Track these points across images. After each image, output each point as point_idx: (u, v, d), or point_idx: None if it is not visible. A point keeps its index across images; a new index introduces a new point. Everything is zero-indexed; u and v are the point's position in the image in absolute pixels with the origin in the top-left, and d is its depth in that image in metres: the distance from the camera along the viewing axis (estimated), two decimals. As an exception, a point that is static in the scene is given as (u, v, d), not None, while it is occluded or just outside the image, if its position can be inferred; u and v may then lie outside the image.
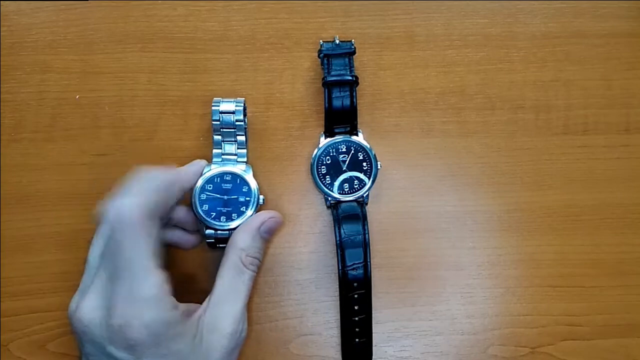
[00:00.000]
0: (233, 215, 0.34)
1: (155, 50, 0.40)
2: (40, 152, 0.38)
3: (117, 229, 0.27)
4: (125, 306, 0.26)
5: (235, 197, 0.35)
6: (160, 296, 0.27)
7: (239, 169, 0.35)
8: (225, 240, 0.34)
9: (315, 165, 0.37)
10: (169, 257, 0.36)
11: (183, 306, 0.29)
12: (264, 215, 0.33)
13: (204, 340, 0.28)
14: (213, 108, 0.35)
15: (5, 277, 0.36)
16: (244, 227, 0.32)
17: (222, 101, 0.35)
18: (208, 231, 0.34)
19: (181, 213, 0.34)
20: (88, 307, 0.27)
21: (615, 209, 0.38)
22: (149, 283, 0.27)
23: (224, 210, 0.34)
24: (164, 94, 0.39)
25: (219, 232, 0.34)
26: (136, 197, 0.28)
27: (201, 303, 0.30)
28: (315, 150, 0.37)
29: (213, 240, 0.35)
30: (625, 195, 0.38)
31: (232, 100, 0.35)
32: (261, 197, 0.35)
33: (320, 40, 0.38)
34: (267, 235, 0.33)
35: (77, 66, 0.39)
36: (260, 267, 0.32)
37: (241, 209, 0.34)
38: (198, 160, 0.35)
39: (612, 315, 0.37)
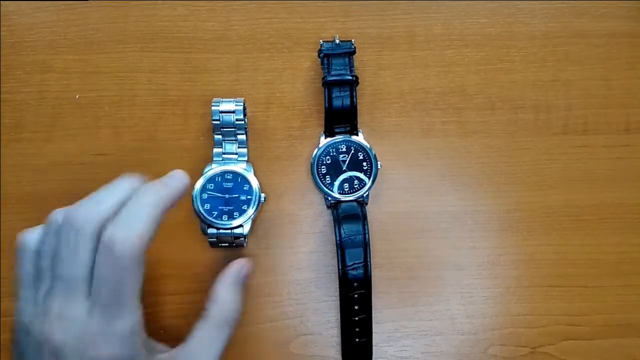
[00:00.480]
0: (235, 213, 0.34)
1: (155, 50, 0.40)
2: (40, 152, 0.38)
3: (118, 266, 0.25)
4: (99, 336, 0.25)
5: (237, 195, 0.35)
6: (135, 331, 0.26)
7: (240, 167, 0.35)
8: (227, 239, 0.34)
9: (315, 165, 0.37)
10: (177, 256, 0.36)
11: (152, 342, 0.29)
12: (236, 265, 0.32)
13: None
14: (213, 108, 0.35)
15: (5, 277, 0.36)
16: (225, 282, 0.31)
17: (222, 101, 0.35)
18: (210, 230, 0.34)
19: None
20: (62, 322, 0.26)
21: (615, 209, 0.38)
22: (129, 318, 0.26)
23: (226, 209, 0.34)
24: (164, 93, 0.39)
25: (221, 230, 0.34)
26: (141, 227, 0.26)
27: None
28: (315, 150, 0.37)
29: (215, 240, 0.35)
30: (625, 195, 0.38)
31: (232, 99, 0.35)
32: (262, 195, 0.35)
33: (321, 40, 0.38)
34: (243, 280, 0.33)
35: (77, 66, 0.39)
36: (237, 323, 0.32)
37: (243, 208, 0.34)
38: (177, 172, 0.30)
39: (612, 315, 0.37)
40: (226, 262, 0.37)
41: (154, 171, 0.38)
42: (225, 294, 0.31)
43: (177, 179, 0.29)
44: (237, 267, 0.32)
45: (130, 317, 0.26)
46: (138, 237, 0.26)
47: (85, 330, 0.26)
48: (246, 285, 0.36)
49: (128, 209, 0.27)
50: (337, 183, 0.36)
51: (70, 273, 0.26)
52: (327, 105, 0.36)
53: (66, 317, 0.26)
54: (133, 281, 0.26)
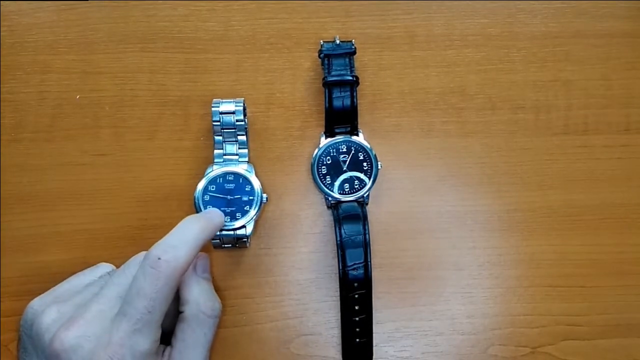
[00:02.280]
0: (237, 214, 0.34)
1: (156, 50, 0.40)
2: (41, 152, 0.38)
3: (160, 284, 0.26)
4: (118, 349, 0.26)
5: (239, 196, 0.35)
6: (152, 352, 0.27)
7: (241, 168, 0.36)
8: (230, 240, 0.34)
9: (315, 165, 0.37)
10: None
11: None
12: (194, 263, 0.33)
13: None
14: (213, 109, 0.35)
15: (5, 277, 0.36)
16: (185, 282, 0.31)
17: (222, 102, 0.35)
18: None
19: None
20: (76, 332, 0.26)
21: (615, 209, 0.38)
22: (150, 339, 0.27)
23: (228, 210, 0.34)
24: (164, 94, 0.39)
25: (223, 232, 0.34)
26: (187, 251, 0.28)
27: None
28: (316, 150, 0.37)
29: (218, 241, 0.35)
30: (626, 195, 0.38)
31: (232, 100, 0.35)
32: (264, 195, 0.35)
33: (321, 40, 0.38)
34: (207, 275, 0.33)
35: (77, 66, 0.39)
36: (220, 314, 0.32)
37: (245, 208, 0.35)
38: (214, 210, 0.34)
39: (612, 315, 0.37)
40: (229, 263, 0.37)
41: (154, 171, 0.38)
42: (189, 292, 0.31)
43: (217, 214, 0.33)
44: (193, 263, 0.32)
45: (153, 337, 0.27)
46: (183, 260, 0.27)
47: (104, 337, 0.26)
48: (247, 285, 0.36)
49: (174, 234, 0.28)
50: (337, 183, 0.36)
51: (113, 281, 0.29)
52: (327, 105, 0.36)
53: (87, 317, 0.27)
54: (165, 303, 0.27)
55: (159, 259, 0.27)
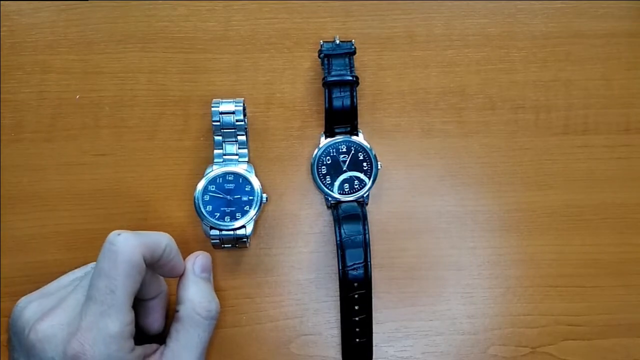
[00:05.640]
0: (237, 214, 0.34)
1: (156, 50, 0.40)
2: (41, 152, 0.38)
3: (118, 260, 0.26)
4: (87, 334, 0.26)
5: (239, 196, 0.35)
6: (124, 336, 0.27)
7: (241, 168, 0.36)
8: (230, 240, 0.34)
9: (315, 165, 0.37)
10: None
11: (139, 349, 0.29)
12: (191, 258, 0.32)
13: None
14: (213, 109, 0.35)
15: (5, 277, 0.36)
16: (182, 281, 0.31)
17: (222, 102, 0.35)
18: (213, 232, 0.34)
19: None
20: (51, 322, 0.27)
21: (615, 209, 0.38)
22: (119, 320, 0.26)
23: (228, 210, 0.34)
24: (164, 94, 0.39)
25: (223, 232, 0.34)
26: (143, 240, 0.28)
27: None
28: (316, 150, 0.37)
29: (218, 241, 0.35)
30: (626, 195, 0.38)
31: (232, 100, 0.35)
32: (264, 195, 0.35)
33: (321, 40, 0.38)
34: (207, 274, 0.33)
35: (77, 66, 0.39)
36: (217, 317, 0.31)
37: (245, 208, 0.35)
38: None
39: (612, 315, 0.37)
40: (229, 263, 0.37)
41: (154, 171, 0.38)
42: (186, 291, 0.31)
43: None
44: (191, 260, 0.32)
45: (122, 319, 0.26)
46: (138, 243, 0.27)
47: (74, 326, 0.26)
48: (247, 285, 0.36)
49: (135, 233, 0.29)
50: (337, 183, 0.36)
51: (74, 272, 0.29)
52: (327, 105, 0.36)
53: (58, 307, 0.27)
54: (128, 283, 0.27)
55: (118, 235, 0.27)
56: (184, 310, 0.30)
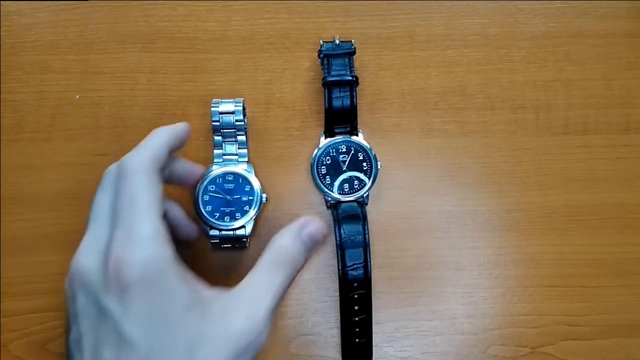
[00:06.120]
0: (237, 214, 0.34)
1: (155, 50, 0.40)
2: (40, 152, 0.38)
3: (126, 175, 0.27)
4: (121, 245, 0.25)
5: (238, 196, 0.35)
6: (158, 237, 0.26)
7: (240, 168, 0.36)
8: (230, 240, 0.34)
9: (315, 166, 0.37)
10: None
11: (189, 272, 0.27)
12: (303, 218, 0.29)
13: (206, 322, 0.25)
14: (212, 109, 0.35)
15: (5, 277, 0.36)
16: (284, 229, 0.29)
17: (221, 102, 0.35)
18: (212, 231, 0.34)
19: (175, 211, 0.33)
20: (86, 252, 0.27)
21: (615, 209, 0.38)
22: (148, 223, 0.26)
23: (228, 210, 0.34)
24: (164, 94, 0.39)
25: (223, 232, 0.34)
26: (145, 150, 0.29)
27: None
28: (315, 151, 0.37)
29: (218, 241, 0.35)
30: (626, 195, 0.38)
31: (231, 100, 0.35)
32: (264, 195, 0.35)
33: (321, 40, 0.38)
34: (309, 242, 0.28)
35: (77, 66, 0.39)
36: (296, 277, 0.28)
37: (244, 209, 0.35)
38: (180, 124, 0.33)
39: (612, 315, 0.37)
40: (229, 263, 0.37)
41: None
42: (281, 238, 0.28)
43: (181, 126, 0.32)
44: (302, 221, 0.29)
45: (150, 223, 0.26)
46: (145, 157, 0.28)
47: (107, 245, 0.26)
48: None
49: (138, 146, 0.30)
50: (337, 183, 0.36)
51: (95, 205, 0.29)
52: (327, 105, 0.36)
53: (88, 238, 0.27)
54: (148, 195, 0.27)
55: (124, 163, 0.28)
56: (267, 254, 0.27)
